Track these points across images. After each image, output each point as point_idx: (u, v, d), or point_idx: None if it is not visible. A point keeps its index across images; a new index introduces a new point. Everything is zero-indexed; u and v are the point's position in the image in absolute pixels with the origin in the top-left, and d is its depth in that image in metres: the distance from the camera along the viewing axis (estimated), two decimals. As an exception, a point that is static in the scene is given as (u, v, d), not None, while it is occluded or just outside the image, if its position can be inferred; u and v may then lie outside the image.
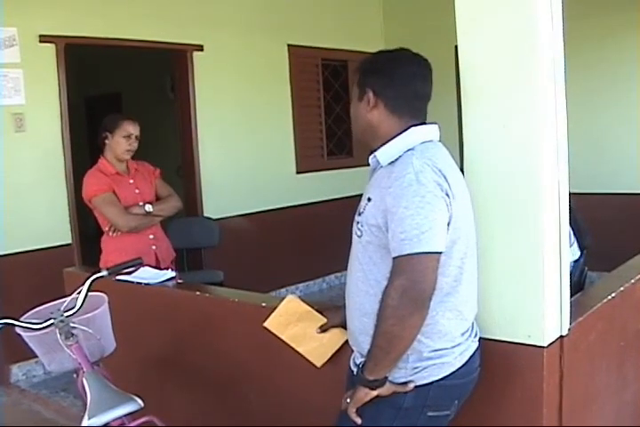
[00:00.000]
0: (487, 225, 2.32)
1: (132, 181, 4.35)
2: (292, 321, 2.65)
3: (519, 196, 2.28)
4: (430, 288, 1.96)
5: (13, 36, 5.07)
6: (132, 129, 4.30)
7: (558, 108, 2.32)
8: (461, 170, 2.30)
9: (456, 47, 2.41)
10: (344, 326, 2.41)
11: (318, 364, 2.64)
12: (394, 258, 1.99)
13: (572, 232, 3.31)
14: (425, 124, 2.21)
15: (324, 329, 2.59)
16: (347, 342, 2.45)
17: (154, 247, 4.37)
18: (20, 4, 5.08)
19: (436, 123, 2.23)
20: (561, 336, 2.38)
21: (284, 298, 2.73)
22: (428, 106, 2.25)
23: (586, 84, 6.67)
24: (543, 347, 2.28)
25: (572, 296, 2.50)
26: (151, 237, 4.38)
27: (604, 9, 6.75)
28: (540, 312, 2.27)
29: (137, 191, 4.34)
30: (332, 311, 2.61)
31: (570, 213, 2.45)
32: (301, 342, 2.65)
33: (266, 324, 2.70)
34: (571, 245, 3.19)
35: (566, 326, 2.40)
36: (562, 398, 2.38)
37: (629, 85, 6.76)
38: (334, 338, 2.60)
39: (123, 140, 4.26)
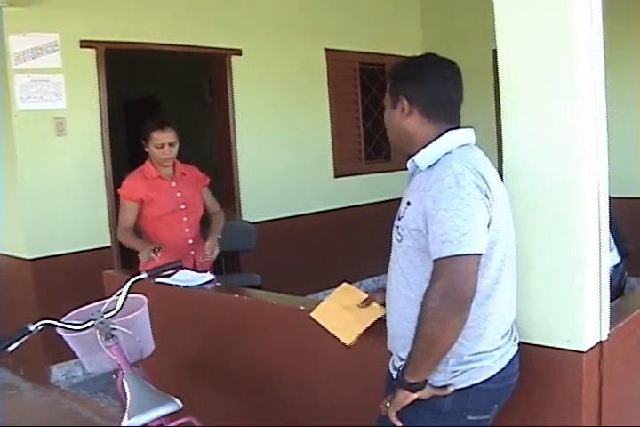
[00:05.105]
0: (527, 228, 2.31)
1: (174, 184, 4.39)
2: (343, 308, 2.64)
3: (559, 199, 2.27)
4: (471, 290, 1.96)
5: (55, 41, 5.15)
6: (164, 138, 4.28)
7: (598, 110, 2.31)
8: (500, 173, 2.29)
9: (494, 51, 2.41)
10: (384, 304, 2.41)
11: (347, 341, 2.57)
12: (434, 260, 1.99)
13: (611, 237, 3.28)
14: (460, 128, 2.21)
15: (367, 303, 2.60)
16: (381, 321, 2.43)
17: (192, 252, 4.40)
18: (62, 11, 5.17)
19: (471, 127, 2.22)
20: (600, 342, 2.36)
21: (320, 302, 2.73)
22: (461, 110, 2.24)
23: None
24: (582, 352, 2.26)
25: (611, 301, 2.47)
26: (190, 241, 4.42)
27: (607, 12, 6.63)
28: (579, 317, 2.26)
29: (178, 195, 4.37)
30: (376, 293, 2.64)
31: (610, 218, 2.43)
32: (333, 318, 2.62)
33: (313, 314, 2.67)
34: (610, 251, 3.17)
35: (606, 331, 2.38)
36: (601, 403, 2.36)
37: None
38: (371, 312, 2.58)
39: (156, 150, 4.29)
